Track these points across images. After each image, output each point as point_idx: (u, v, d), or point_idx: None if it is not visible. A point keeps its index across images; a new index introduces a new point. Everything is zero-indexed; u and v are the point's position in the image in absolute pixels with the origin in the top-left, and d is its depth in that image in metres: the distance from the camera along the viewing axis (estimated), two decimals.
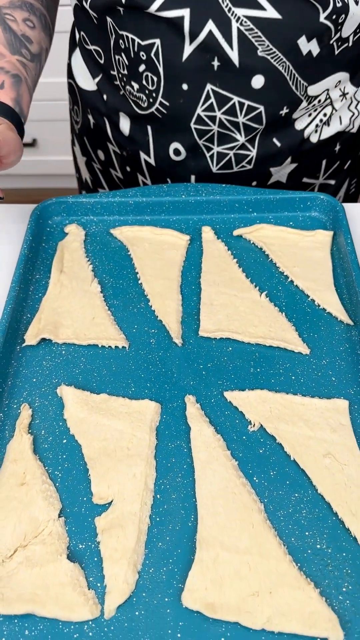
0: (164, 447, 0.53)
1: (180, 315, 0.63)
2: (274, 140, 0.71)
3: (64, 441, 0.54)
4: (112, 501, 0.50)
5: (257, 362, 0.59)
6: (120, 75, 0.70)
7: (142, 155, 0.75)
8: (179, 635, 0.43)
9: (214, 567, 0.45)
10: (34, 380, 0.59)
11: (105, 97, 0.75)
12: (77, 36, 0.76)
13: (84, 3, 0.67)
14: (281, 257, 0.67)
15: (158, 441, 0.54)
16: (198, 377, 0.58)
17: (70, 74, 0.84)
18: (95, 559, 0.47)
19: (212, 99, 0.66)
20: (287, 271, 0.66)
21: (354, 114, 0.74)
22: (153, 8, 0.61)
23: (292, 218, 0.72)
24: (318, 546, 0.47)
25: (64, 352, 0.61)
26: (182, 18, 0.60)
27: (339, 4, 0.60)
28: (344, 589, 0.45)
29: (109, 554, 0.47)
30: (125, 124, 0.75)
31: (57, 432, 0.55)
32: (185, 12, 0.60)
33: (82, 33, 0.73)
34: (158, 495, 0.50)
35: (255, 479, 0.51)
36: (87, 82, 0.78)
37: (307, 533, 0.48)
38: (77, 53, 0.79)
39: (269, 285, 0.66)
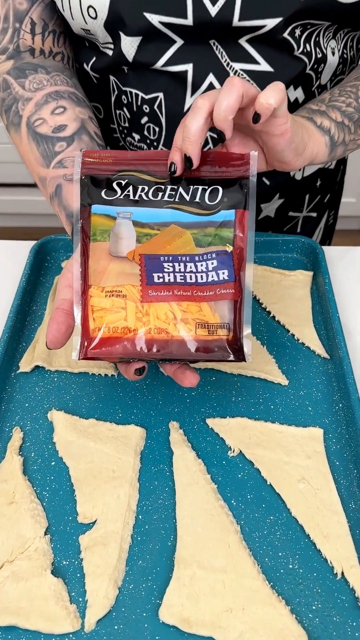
0: (147, 470, 0.56)
1: None
2: (264, 179, 0.76)
3: (52, 463, 0.57)
4: (96, 520, 0.52)
5: (239, 392, 0.62)
6: (120, 128, 0.74)
7: None
8: None
9: (191, 584, 0.48)
10: (27, 405, 0.62)
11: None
12: None
13: (85, 66, 0.72)
14: (264, 294, 0.72)
15: (142, 464, 0.56)
16: (182, 404, 0.61)
17: None
18: (78, 575, 0.49)
19: (210, 145, 0.71)
20: (269, 307, 0.70)
21: None
22: (159, 64, 0.65)
23: (276, 258, 0.76)
24: (290, 566, 0.49)
25: (56, 379, 0.64)
26: (185, 72, 0.65)
27: (319, 55, 0.66)
28: (313, 607, 0.47)
29: (91, 570, 0.49)
30: None
31: (46, 455, 0.57)
32: (188, 67, 0.65)
33: None
34: (140, 516, 0.53)
35: (233, 501, 0.53)
36: None
37: (280, 554, 0.50)
38: None
39: (252, 320, 0.69)
